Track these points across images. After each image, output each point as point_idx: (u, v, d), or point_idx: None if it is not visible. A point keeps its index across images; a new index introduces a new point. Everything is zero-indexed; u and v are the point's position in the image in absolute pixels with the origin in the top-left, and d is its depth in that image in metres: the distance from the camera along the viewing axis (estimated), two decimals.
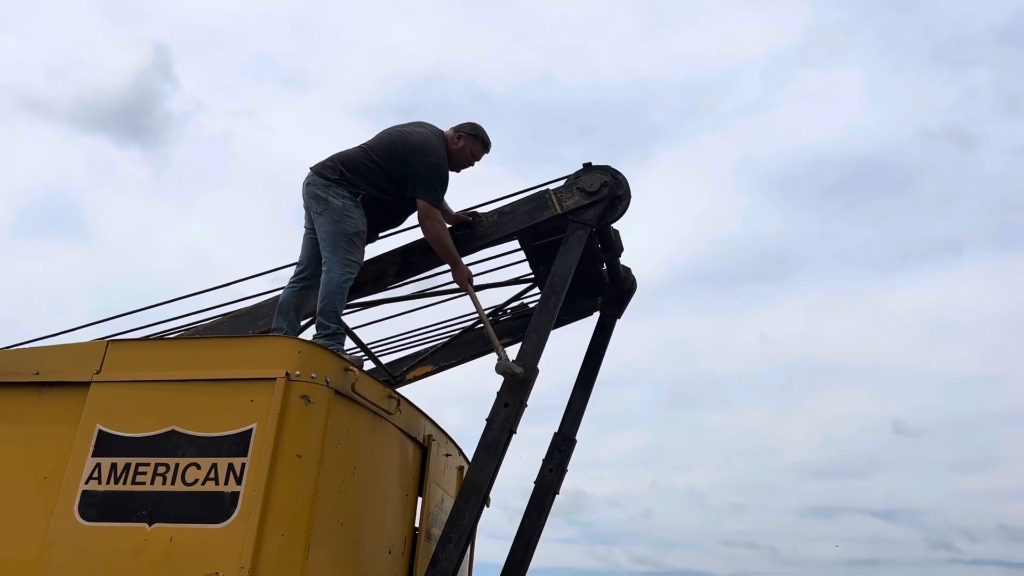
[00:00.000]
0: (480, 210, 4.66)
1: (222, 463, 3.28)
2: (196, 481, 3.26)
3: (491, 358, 5.68)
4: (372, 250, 4.57)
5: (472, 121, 4.69)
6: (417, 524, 4.19)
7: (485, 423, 3.92)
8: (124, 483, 3.32)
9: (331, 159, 4.42)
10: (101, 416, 3.47)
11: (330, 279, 4.08)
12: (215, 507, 3.19)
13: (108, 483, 3.33)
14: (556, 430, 5.07)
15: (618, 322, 5.41)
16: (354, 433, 3.62)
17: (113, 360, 3.61)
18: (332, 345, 3.86)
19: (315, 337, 4.00)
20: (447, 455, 4.65)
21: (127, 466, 3.35)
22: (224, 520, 3.17)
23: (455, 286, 5.06)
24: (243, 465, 3.25)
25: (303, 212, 4.52)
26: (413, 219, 4.65)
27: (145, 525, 3.22)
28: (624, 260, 5.22)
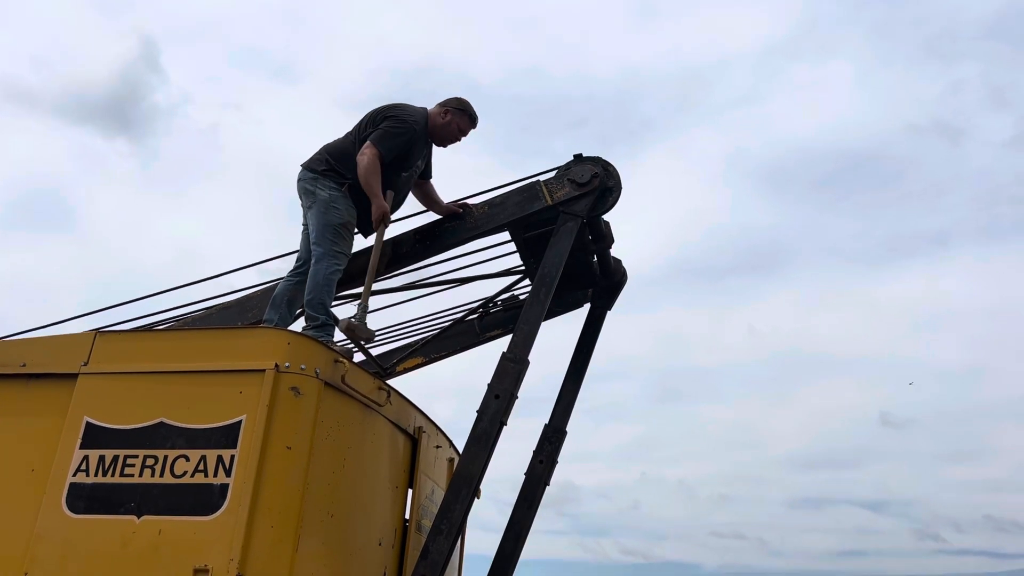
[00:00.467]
0: (470, 201, 4.64)
1: (211, 455, 3.26)
2: (185, 473, 3.25)
3: (481, 350, 5.73)
4: (364, 242, 4.55)
5: (459, 96, 4.65)
6: (408, 516, 4.19)
7: (476, 415, 3.91)
8: (112, 475, 3.31)
9: (320, 151, 4.41)
10: (89, 408, 3.45)
11: (317, 271, 4.06)
12: (204, 499, 3.18)
13: (96, 475, 3.32)
14: (546, 422, 5.06)
15: (608, 314, 5.40)
16: (344, 425, 3.61)
17: (101, 352, 3.58)
18: (321, 336, 3.85)
19: (304, 329, 3.98)
20: (437, 447, 4.64)
21: (115, 458, 3.34)
22: (213, 512, 3.16)
23: (447, 277, 5.07)
24: (232, 457, 3.24)
25: (299, 207, 4.50)
26: (406, 209, 4.64)
27: (134, 517, 3.21)
28: (613, 252, 5.21)
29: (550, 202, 4.39)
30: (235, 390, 3.36)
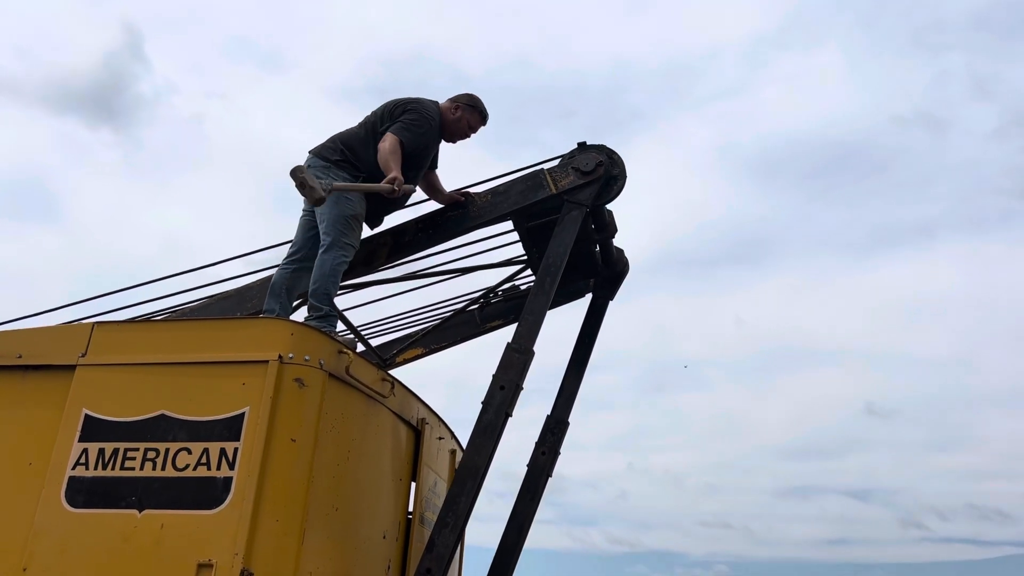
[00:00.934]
0: (473, 190, 4.58)
1: (214, 448, 3.20)
2: (187, 466, 3.19)
3: (479, 341, 5.68)
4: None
5: (469, 92, 4.59)
6: (411, 509, 4.14)
7: (480, 406, 3.86)
8: (112, 469, 3.24)
9: (331, 140, 4.33)
10: (87, 400, 3.38)
11: (324, 261, 3.99)
12: (207, 493, 3.12)
13: (96, 469, 3.25)
14: (548, 412, 5.02)
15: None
16: (348, 417, 3.55)
17: (99, 343, 3.51)
18: (325, 327, 3.78)
19: (307, 319, 3.92)
20: (440, 438, 4.60)
21: (115, 451, 3.27)
22: (217, 506, 3.10)
23: (450, 267, 5.02)
24: (236, 450, 3.18)
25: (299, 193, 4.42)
26: (411, 199, 4.58)
27: (135, 511, 3.14)
28: (615, 241, 5.16)
29: (554, 190, 4.33)
30: (238, 381, 3.29)
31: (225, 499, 3.10)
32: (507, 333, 5.64)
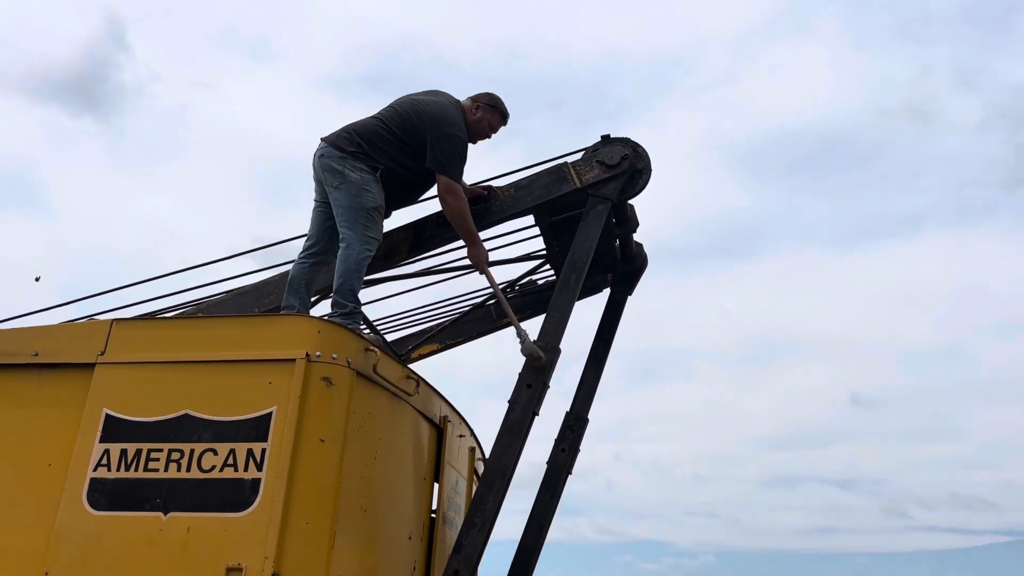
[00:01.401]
0: (495, 183, 4.50)
1: (240, 448, 3.12)
2: (213, 468, 3.11)
3: (489, 339, 5.61)
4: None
5: (490, 91, 4.51)
6: (434, 508, 4.07)
7: (507, 405, 3.80)
8: (136, 470, 3.16)
9: (346, 130, 4.21)
10: (108, 400, 3.29)
11: (348, 256, 3.90)
12: (235, 495, 3.04)
13: (118, 470, 3.17)
14: (568, 409, 4.96)
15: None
16: (375, 416, 3.48)
17: (118, 340, 3.42)
18: (351, 324, 3.70)
19: (331, 315, 3.83)
20: (460, 436, 4.53)
21: (138, 452, 3.18)
22: (245, 508, 3.02)
23: (465, 262, 4.92)
24: (263, 451, 3.10)
25: (309, 185, 4.33)
26: (427, 193, 4.49)
27: (160, 514, 3.06)
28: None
29: (579, 184, 4.26)
30: (264, 380, 3.21)
31: (254, 501, 3.02)
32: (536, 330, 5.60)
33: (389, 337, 5.59)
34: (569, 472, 4.83)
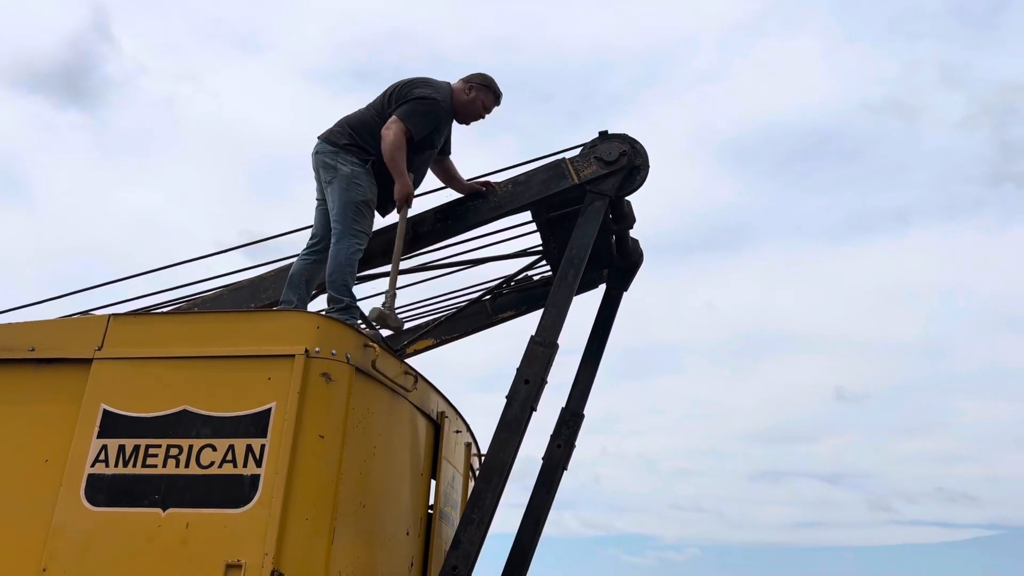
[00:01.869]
0: (492, 179, 4.49)
1: (239, 444, 3.11)
2: (212, 464, 3.10)
3: (480, 333, 5.60)
4: (382, 221, 4.39)
5: (482, 72, 4.47)
6: (431, 503, 4.07)
7: (505, 400, 3.80)
8: (134, 466, 3.14)
9: (339, 124, 4.20)
10: (105, 395, 3.27)
11: (338, 251, 3.88)
12: (234, 491, 3.03)
13: (116, 466, 3.15)
14: (563, 405, 4.96)
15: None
16: (374, 412, 3.47)
17: (115, 335, 3.40)
18: (347, 319, 3.69)
19: (327, 311, 3.82)
20: (457, 431, 4.53)
21: (136, 448, 3.17)
22: (244, 505, 3.01)
23: (461, 258, 4.92)
24: (263, 446, 3.09)
25: (309, 182, 4.31)
26: (424, 185, 4.48)
27: (159, 510, 3.05)
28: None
29: (576, 181, 4.25)
30: (263, 376, 3.20)
31: (253, 497, 3.02)
32: (510, 325, 5.60)
33: (385, 332, 5.58)
34: (565, 468, 4.83)
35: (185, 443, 3.14)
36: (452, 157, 4.61)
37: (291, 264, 4.28)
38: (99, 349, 3.36)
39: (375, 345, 3.47)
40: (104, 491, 3.11)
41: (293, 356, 3.20)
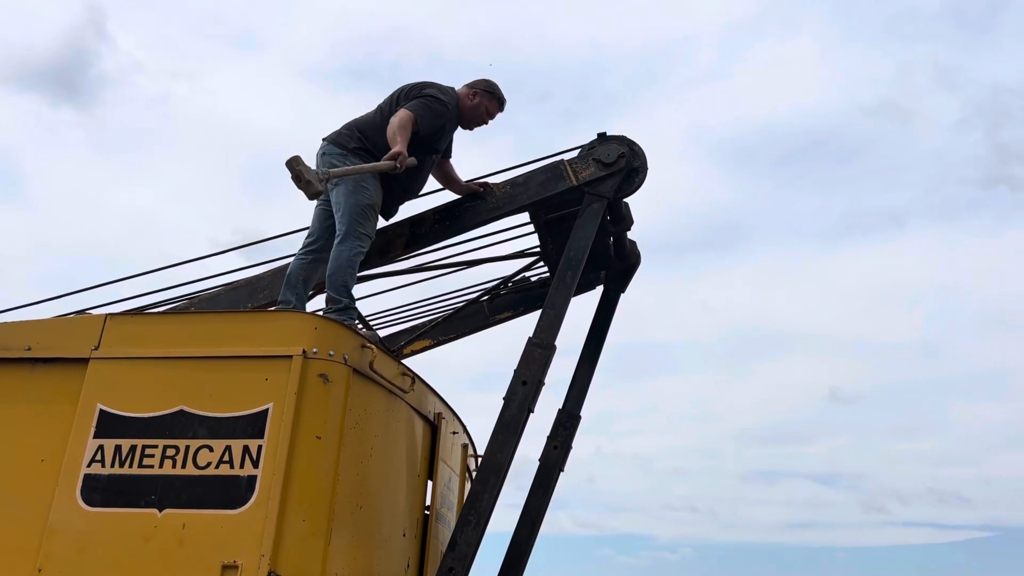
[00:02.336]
0: (491, 180, 4.49)
1: (236, 445, 3.10)
2: (209, 464, 3.09)
3: (477, 335, 5.60)
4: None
5: (486, 78, 4.49)
6: (428, 504, 4.07)
7: (502, 402, 3.80)
8: (130, 466, 3.13)
9: (347, 127, 4.22)
10: (102, 395, 3.26)
11: (341, 252, 3.89)
12: (231, 492, 3.03)
13: (113, 466, 3.14)
14: (560, 406, 4.96)
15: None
16: (371, 413, 3.47)
17: (112, 335, 3.39)
18: (346, 320, 3.69)
19: (325, 312, 3.82)
20: (454, 432, 4.53)
21: (132, 448, 3.16)
22: (241, 505, 3.01)
23: (460, 259, 4.92)
24: (259, 447, 3.08)
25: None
26: (426, 187, 4.48)
27: (155, 511, 3.04)
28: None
29: (575, 182, 4.25)
30: (260, 377, 3.19)
31: (250, 498, 3.01)
32: (507, 323, 5.60)
33: (381, 333, 5.58)
34: (562, 469, 4.83)
35: (182, 443, 3.13)
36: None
37: (288, 264, 4.27)
38: (96, 349, 3.35)
39: (373, 346, 3.46)
40: (100, 491, 3.10)
41: (290, 357, 3.19)
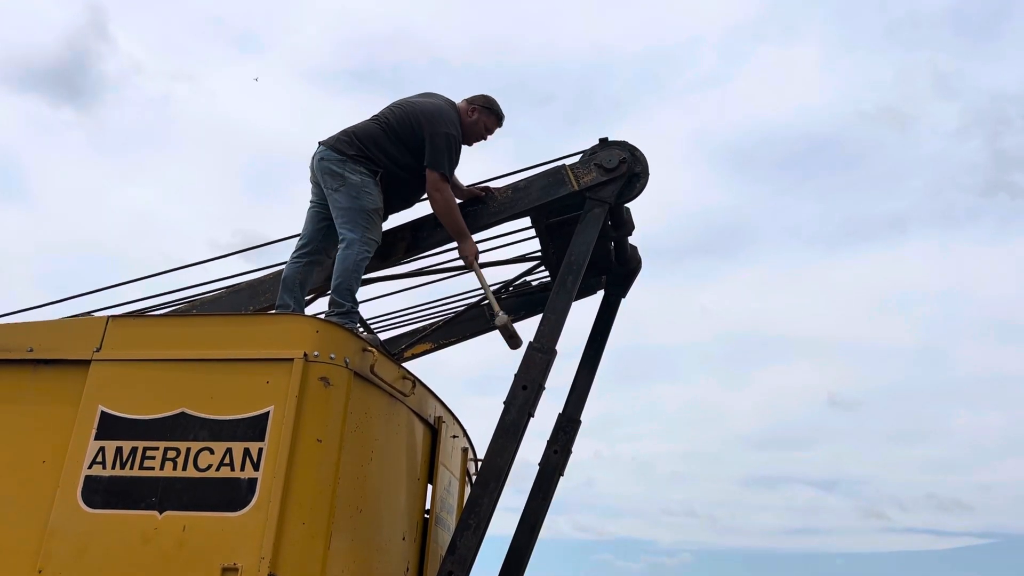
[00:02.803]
0: (492, 184, 4.51)
1: (237, 448, 3.12)
2: (210, 467, 3.10)
3: (483, 338, 5.61)
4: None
5: (485, 93, 4.55)
6: (428, 508, 4.08)
7: (502, 406, 3.80)
8: (131, 468, 3.14)
9: (346, 133, 4.23)
10: (103, 397, 3.28)
11: (347, 256, 3.90)
12: (232, 494, 3.04)
13: (114, 468, 3.15)
14: (560, 411, 4.97)
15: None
16: (372, 416, 3.48)
17: (114, 337, 3.40)
18: (348, 324, 3.70)
19: (328, 315, 3.83)
20: (454, 436, 4.53)
21: (133, 450, 3.17)
22: (241, 508, 3.02)
23: (460, 263, 4.92)
24: (260, 450, 3.09)
25: (306, 186, 4.33)
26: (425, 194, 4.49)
27: (155, 513, 3.05)
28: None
29: (576, 187, 4.26)
30: (261, 379, 3.21)
31: (250, 501, 3.02)
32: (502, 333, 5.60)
33: (383, 336, 5.59)
34: (561, 474, 4.84)
35: (183, 446, 3.14)
36: None
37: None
38: (97, 351, 3.36)
39: (373, 349, 3.48)
40: (101, 493, 3.11)
41: (292, 360, 3.20)
